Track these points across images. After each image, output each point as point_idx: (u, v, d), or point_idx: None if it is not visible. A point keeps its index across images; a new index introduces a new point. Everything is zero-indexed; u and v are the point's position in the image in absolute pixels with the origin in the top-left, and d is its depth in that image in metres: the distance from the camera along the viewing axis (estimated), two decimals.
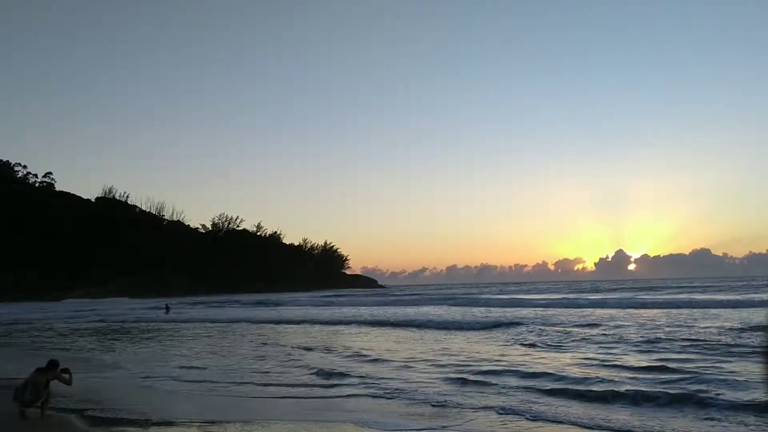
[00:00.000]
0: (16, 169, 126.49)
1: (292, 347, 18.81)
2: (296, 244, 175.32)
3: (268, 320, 34.04)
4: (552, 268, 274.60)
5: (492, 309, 37.03)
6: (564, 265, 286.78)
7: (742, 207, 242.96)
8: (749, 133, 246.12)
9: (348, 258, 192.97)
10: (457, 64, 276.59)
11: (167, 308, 49.93)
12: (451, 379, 11.67)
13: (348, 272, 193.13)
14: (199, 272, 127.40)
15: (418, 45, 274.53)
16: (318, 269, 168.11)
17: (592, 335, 19.26)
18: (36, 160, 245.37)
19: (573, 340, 17.96)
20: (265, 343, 20.54)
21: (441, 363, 13.98)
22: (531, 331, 21.34)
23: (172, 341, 23.07)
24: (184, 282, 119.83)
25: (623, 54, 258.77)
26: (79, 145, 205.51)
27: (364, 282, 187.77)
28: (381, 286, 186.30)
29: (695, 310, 29.38)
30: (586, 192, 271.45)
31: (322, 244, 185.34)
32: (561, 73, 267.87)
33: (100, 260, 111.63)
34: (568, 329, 21.45)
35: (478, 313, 33.16)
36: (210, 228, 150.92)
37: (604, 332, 19.99)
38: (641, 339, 17.41)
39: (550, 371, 12.01)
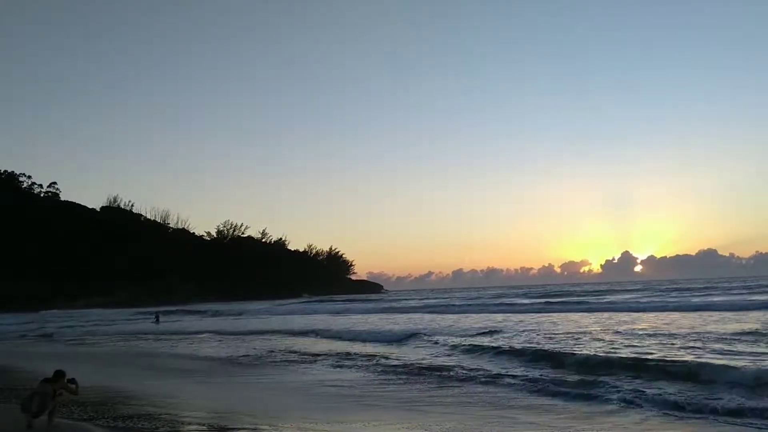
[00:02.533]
0: (21, 179, 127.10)
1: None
2: (301, 250, 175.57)
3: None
4: (558, 270, 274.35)
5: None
6: (570, 267, 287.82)
7: (749, 207, 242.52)
8: (755, 133, 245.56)
9: (353, 263, 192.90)
10: (460, 65, 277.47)
11: (157, 318, 47.73)
12: None
13: (354, 277, 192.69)
14: (204, 280, 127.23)
15: (422, 47, 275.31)
16: (323, 275, 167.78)
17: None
18: (40, 171, 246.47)
19: None
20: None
21: None
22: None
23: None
24: (190, 290, 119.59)
25: (629, 54, 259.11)
26: (83, 154, 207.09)
27: (369, 287, 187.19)
28: (385, 292, 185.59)
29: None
30: (592, 194, 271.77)
31: (328, 249, 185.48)
32: (565, 75, 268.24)
33: (106, 269, 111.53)
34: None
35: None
36: (215, 235, 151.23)
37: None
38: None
39: None
